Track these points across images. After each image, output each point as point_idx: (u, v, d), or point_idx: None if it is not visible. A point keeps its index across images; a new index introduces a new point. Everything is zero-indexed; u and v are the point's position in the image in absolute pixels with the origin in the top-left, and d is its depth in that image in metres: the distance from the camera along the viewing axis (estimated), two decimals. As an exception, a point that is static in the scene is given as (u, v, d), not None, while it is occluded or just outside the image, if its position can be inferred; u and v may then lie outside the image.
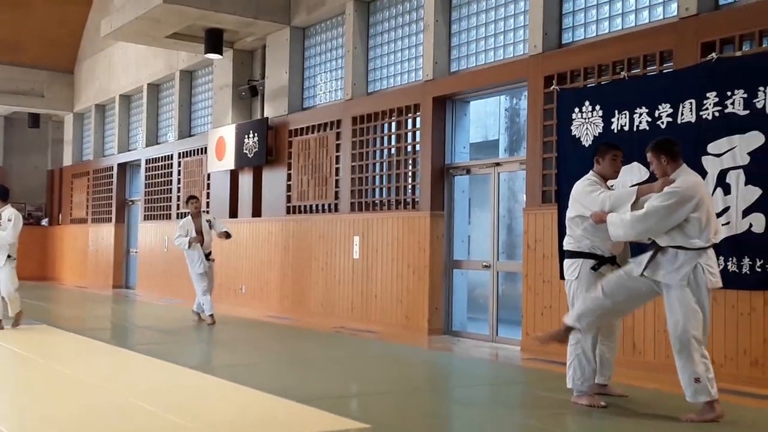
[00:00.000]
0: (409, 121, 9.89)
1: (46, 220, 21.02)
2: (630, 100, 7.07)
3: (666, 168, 5.11)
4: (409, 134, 9.89)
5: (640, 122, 6.97)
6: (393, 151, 10.11)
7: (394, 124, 10.11)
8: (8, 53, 18.69)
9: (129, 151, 17.41)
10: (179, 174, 14.98)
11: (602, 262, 5.39)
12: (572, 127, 7.53)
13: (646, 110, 6.93)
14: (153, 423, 4.80)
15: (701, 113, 6.52)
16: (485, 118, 11.88)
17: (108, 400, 5.44)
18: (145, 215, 16.19)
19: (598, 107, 7.33)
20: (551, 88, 7.87)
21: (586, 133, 7.41)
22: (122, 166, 17.55)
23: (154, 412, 5.06)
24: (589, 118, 7.39)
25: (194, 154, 14.56)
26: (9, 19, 18.06)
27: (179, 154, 15.04)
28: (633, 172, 6.94)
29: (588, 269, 5.38)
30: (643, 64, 7.19)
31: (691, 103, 6.59)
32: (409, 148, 9.89)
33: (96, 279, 17.98)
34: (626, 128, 7.08)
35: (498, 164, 9.20)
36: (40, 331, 9.47)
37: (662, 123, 6.80)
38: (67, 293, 16.58)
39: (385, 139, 10.26)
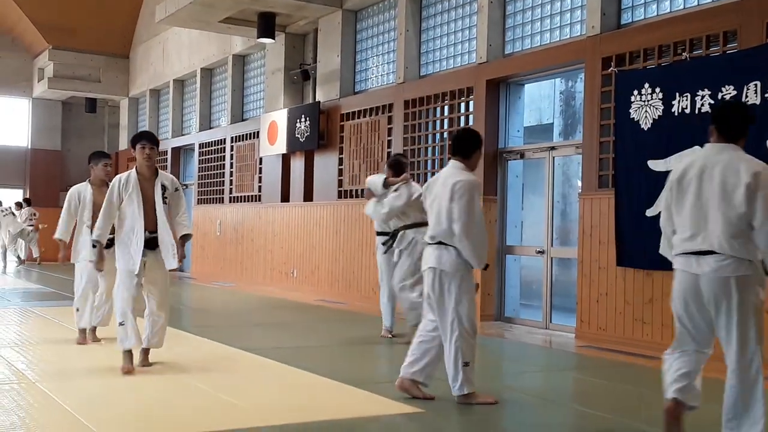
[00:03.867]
0: (462, 105, 9.78)
1: (103, 203, 21.41)
2: (692, 82, 6.86)
3: None
4: (462, 118, 9.78)
5: (702, 104, 6.76)
6: (445, 135, 10.01)
7: (446, 108, 10.01)
8: (66, 39, 19.06)
9: (183, 135, 17.62)
10: (232, 158, 15.11)
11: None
12: (631, 110, 7.35)
13: (709, 92, 6.72)
14: (206, 402, 4.84)
15: (767, 95, 6.29)
16: (539, 101, 11.67)
17: (162, 379, 5.51)
18: (198, 199, 16.39)
19: (658, 89, 7.13)
20: (609, 70, 7.68)
21: (646, 116, 7.22)
22: (176, 150, 17.77)
23: (207, 391, 5.11)
24: (648, 101, 7.19)
25: (247, 139, 14.65)
26: (65, 4, 18.40)
27: (232, 138, 15.16)
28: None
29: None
30: (706, 44, 6.96)
31: (756, 84, 6.36)
32: (462, 132, 9.77)
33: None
34: (687, 111, 6.88)
35: (553, 148, 9.04)
36: (97, 312, 9.63)
37: (725, 105, 6.58)
38: (123, 275, 16.83)
39: (438, 123, 10.17)
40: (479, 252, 4.86)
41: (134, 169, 5.79)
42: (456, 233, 4.80)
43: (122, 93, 20.25)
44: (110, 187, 5.81)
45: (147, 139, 5.84)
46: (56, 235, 7.00)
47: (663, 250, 4.20)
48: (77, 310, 7.01)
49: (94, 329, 7.11)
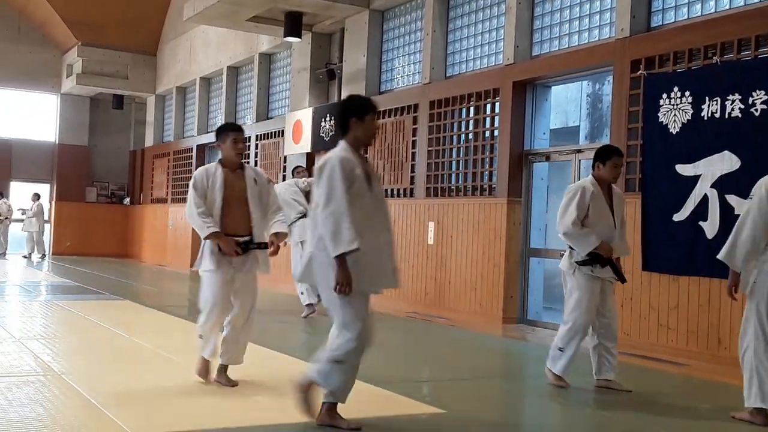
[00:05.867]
0: (488, 106, 9.74)
1: (128, 199, 21.61)
2: (722, 86, 6.78)
3: None
4: (488, 119, 9.75)
5: (733, 109, 6.68)
6: (471, 136, 9.98)
7: (472, 109, 9.97)
8: (94, 36, 19.23)
9: (208, 132, 17.70)
10: (256, 156, 15.17)
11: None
12: (659, 114, 7.28)
13: (739, 97, 6.64)
14: (230, 398, 4.86)
15: (800, 100, 6.20)
16: (566, 103, 11.62)
17: (186, 375, 5.54)
18: (222, 196, 16.45)
19: (687, 93, 7.05)
20: (638, 73, 7.61)
21: (674, 120, 7.15)
22: (201, 148, 17.87)
23: (231, 387, 5.12)
24: (677, 105, 7.12)
25: (271, 137, 14.71)
26: (94, 1, 18.57)
27: (257, 136, 15.22)
28: (724, 161, 6.68)
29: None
30: (737, 48, 6.87)
31: (788, 89, 6.28)
32: (488, 134, 9.75)
33: (174, 258, 18.41)
34: (717, 115, 6.80)
35: (579, 151, 8.98)
36: (122, 307, 9.75)
37: (756, 110, 6.50)
38: (147, 271, 17.03)
39: (463, 124, 10.14)
40: (582, 245, 5.45)
41: (347, 149, 4.17)
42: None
43: (149, 90, 20.40)
44: (336, 170, 3.99)
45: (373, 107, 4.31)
46: (205, 234, 5.06)
47: (729, 256, 4.69)
48: (200, 336, 5.26)
49: (225, 368, 5.26)
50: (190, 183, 5.19)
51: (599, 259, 5.44)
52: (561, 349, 5.53)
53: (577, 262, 5.51)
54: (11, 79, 20.32)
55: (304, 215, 9.06)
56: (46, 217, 20.14)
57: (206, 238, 5.05)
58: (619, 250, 5.61)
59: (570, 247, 5.58)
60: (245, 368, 5.45)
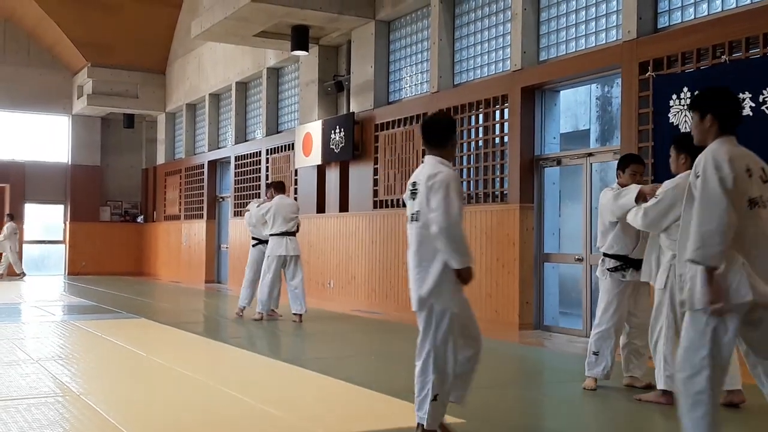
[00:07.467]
0: (497, 113, 9.73)
1: (142, 217, 21.72)
2: (732, 85, 6.69)
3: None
4: (497, 126, 9.74)
5: (743, 108, 6.64)
6: (481, 143, 9.97)
7: (481, 116, 9.97)
8: (103, 56, 19.38)
9: (219, 148, 17.79)
10: (267, 170, 15.21)
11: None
12: (670, 115, 7.26)
13: (750, 95, 6.61)
14: (247, 413, 4.86)
15: (811, 96, 6.16)
16: (575, 107, 11.58)
17: (205, 391, 5.55)
18: (235, 211, 16.52)
19: (697, 93, 7.02)
20: (647, 74, 7.59)
21: (685, 121, 7.12)
22: (212, 164, 17.94)
23: (248, 402, 5.13)
24: (687, 105, 7.09)
25: (282, 151, 14.75)
26: (102, 22, 18.71)
27: (267, 150, 15.27)
28: (736, 160, 6.63)
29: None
30: (746, 47, 6.85)
31: (799, 86, 6.24)
32: (498, 140, 9.74)
33: (189, 274, 18.47)
34: (728, 114, 6.76)
35: (590, 155, 8.96)
36: (138, 324, 9.78)
37: (767, 108, 6.47)
38: (162, 288, 17.08)
39: (473, 131, 10.13)
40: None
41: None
42: None
43: (159, 108, 20.52)
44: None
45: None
46: (466, 264, 4.22)
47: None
48: (595, 353, 5.73)
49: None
50: (448, 187, 4.27)
51: (632, 263, 5.56)
52: (595, 353, 5.63)
53: (608, 269, 5.64)
54: (23, 102, 20.50)
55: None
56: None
57: (464, 269, 4.18)
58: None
59: (604, 255, 5.68)
60: (269, 385, 5.45)
